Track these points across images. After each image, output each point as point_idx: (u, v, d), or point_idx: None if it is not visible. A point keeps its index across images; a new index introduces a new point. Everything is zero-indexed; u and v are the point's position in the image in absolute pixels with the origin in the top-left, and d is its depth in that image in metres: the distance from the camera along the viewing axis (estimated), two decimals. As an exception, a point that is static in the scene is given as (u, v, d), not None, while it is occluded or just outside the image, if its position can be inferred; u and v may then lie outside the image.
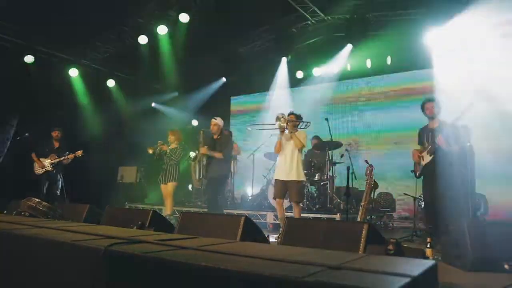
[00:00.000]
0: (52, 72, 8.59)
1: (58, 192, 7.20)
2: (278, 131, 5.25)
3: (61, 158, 7.14)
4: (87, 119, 8.93)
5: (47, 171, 7.10)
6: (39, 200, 4.31)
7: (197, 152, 6.17)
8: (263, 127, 6.13)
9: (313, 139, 7.66)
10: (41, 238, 1.92)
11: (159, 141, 6.56)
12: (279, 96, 10.47)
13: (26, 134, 7.23)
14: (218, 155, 5.71)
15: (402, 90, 8.66)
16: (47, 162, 7.09)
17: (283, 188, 5.17)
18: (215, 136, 5.93)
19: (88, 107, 9.01)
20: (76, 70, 8.90)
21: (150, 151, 6.48)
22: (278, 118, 5.15)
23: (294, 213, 5.16)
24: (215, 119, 6.02)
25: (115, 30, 8.26)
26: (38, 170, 7.08)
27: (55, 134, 7.32)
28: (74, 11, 6.62)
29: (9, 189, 6.79)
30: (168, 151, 6.43)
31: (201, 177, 5.85)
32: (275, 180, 5.34)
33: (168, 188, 6.42)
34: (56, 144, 7.31)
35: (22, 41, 7.95)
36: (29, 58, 7.99)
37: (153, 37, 7.98)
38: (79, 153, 7.14)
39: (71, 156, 7.14)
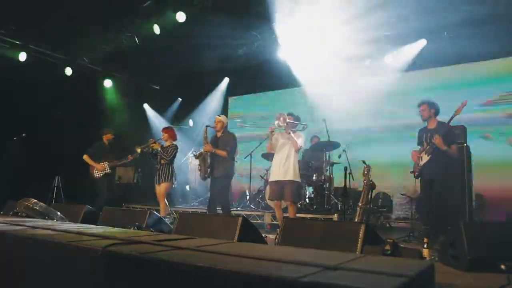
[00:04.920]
0: (48, 72, 8.56)
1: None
2: (275, 131, 5.17)
3: (122, 161, 6.89)
4: (84, 120, 8.88)
5: (106, 174, 6.81)
6: (35, 200, 4.30)
7: (201, 149, 5.90)
8: (254, 126, 6.03)
9: (314, 138, 7.67)
10: (38, 239, 1.92)
11: (151, 139, 6.36)
12: (278, 96, 10.49)
13: (23, 134, 7.20)
14: (222, 153, 5.47)
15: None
16: (106, 164, 6.79)
17: (280, 189, 5.10)
18: (218, 134, 5.71)
19: (86, 107, 8.96)
20: (70, 70, 8.86)
21: (138, 150, 6.28)
22: (277, 118, 5.09)
23: (289, 214, 5.09)
24: (219, 116, 5.81)
25: (113, 29, 8.22)
26: (97, 174, 6.76)
27: (111, 136, 7.00)
28: (70, 10, 6.60)
29: (13, 190, 6.76)
30: (159, 149, 6.12)
31: (206, 175, 5.60)
32: (271, 181, 5.26)
33: (160, 189, 6.06)
34: (109, 147, 6.97)
35: (17, 40, 7.93)
36: (22, 56, 7.95)
37: (151, 37, 7.94)
38: (137, 154, 6.79)
39: (130, 157, 6.82)
